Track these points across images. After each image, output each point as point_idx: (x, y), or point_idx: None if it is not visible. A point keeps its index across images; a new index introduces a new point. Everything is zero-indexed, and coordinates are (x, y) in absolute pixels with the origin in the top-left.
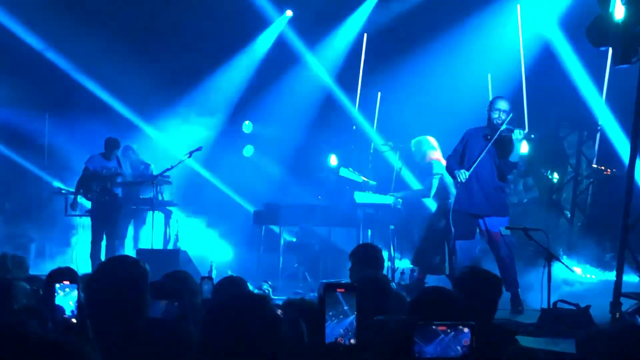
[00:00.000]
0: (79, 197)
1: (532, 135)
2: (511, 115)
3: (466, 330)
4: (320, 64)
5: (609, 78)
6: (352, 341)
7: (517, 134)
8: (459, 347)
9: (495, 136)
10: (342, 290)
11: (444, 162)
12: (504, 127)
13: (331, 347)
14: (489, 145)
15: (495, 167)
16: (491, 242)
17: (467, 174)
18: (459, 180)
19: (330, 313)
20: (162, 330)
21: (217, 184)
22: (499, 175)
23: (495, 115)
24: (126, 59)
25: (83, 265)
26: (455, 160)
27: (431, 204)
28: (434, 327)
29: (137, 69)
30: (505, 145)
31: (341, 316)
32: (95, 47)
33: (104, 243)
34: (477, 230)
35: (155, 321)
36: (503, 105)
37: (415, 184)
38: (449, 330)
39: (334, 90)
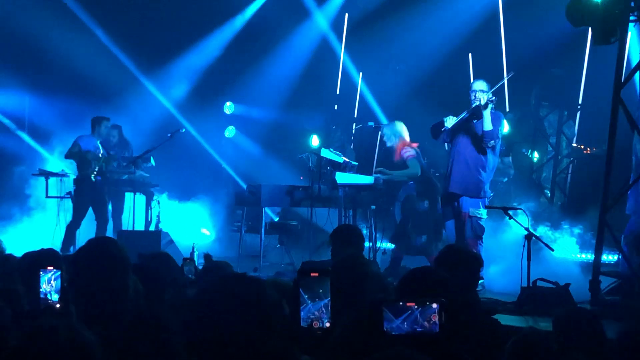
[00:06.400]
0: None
1: (494, 98)
2: (489, 93)
3: (434, 305)
4: (301, 44)
5: (589, 57)
6: (327, 324)
7: (483, 98)
8: (426, 323)
9: (469, 110)
10: (316, 274)
11: (414, 144)
12: (478, 97)
13: (306, 330)
14: (462, 115)
15: (475, 144)
16: (458, 221)
17: (454, 119)
18: (445, 125)
19: (306, 296)
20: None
21: (199, 165)
22: (478, 152)
23: (472, 97)
24: (104, 35)
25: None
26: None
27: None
28: (401, 303)
29: (115, 47)
30: (479, 117)
31: (317, 299)
32: (76, 27)
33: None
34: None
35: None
36: (476, 85)
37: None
38: (416, 306)
39: (316, 71)
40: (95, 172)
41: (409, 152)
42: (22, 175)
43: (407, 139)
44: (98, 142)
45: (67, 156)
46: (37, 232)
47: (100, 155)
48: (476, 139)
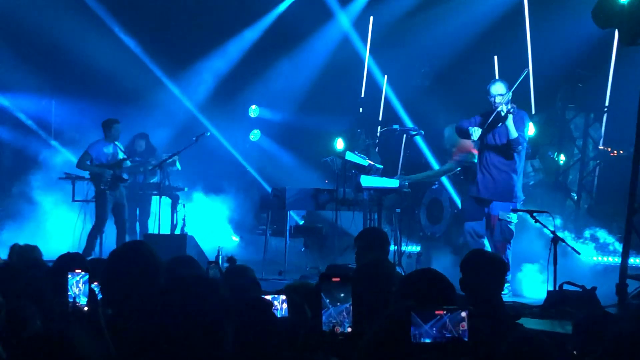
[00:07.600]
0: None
1: (513, 108)
2: (508, 94)
3: (463, 313)
4: (326, 47)
5: (616, 59)
6: (349, 329)
7: (503, 109)
8: (454, 330)
9: (490, 118)
10: (337, 279)
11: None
12: (499, 108)
13: (328, 335)
14: (484, 127)
15: (501, 149)
16: (488, 224)
17: (479, 131)
18: (472, 137)
19: (328, 300)
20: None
21: (223, 168)
22: (505, 157)
23: (492, 100)
24: (129, 38)
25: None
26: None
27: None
28: (429, 310)
29: (140, 50)
30: (502, 124)
31: (338, 303)
32: (101, 30)
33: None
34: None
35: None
36: (494, 89)
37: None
38: (445, 313)
39: (340, 74)
40: (108, 181)
41: (456, 155)
42: (48, 179)
43: (465, 144)
44: (111, 145)
45: (79, 167)
46: (61, 236)
47: (108, 161)
48: (502, 144)
